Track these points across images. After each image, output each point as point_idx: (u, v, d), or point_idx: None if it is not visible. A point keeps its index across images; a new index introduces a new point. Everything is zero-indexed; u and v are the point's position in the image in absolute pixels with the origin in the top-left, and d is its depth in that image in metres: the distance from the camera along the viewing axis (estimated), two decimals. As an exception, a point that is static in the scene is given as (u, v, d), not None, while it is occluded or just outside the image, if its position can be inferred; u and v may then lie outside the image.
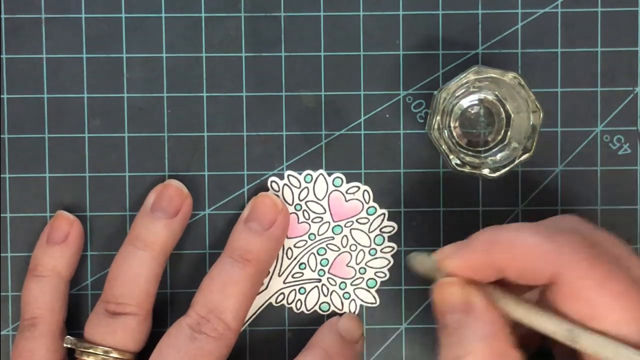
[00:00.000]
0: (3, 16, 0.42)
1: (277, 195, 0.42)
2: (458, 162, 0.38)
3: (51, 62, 0.42)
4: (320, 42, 0.42)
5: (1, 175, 0.42)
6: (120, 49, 0.42)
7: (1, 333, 0.42)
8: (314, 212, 0.42)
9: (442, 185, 0.42)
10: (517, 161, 0.38)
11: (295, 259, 0.42)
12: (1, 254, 0.42)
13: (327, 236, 0.42)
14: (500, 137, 0.40)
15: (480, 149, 0.41)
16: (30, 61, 0.42)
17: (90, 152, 0.42)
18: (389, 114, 0.42)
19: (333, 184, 0.42)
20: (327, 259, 0.42)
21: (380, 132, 0.42)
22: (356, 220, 0.42)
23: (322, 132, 0.42)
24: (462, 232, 0.42)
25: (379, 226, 0.42)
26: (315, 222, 0.42)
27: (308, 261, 0.42)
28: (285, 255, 0.42)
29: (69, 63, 0.42)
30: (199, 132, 0.42)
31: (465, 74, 0.37)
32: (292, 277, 0.42)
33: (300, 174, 0.42)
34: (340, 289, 0.42)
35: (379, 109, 0.42)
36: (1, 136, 0.42)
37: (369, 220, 0.42)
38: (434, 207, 0.42)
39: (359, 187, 0.42)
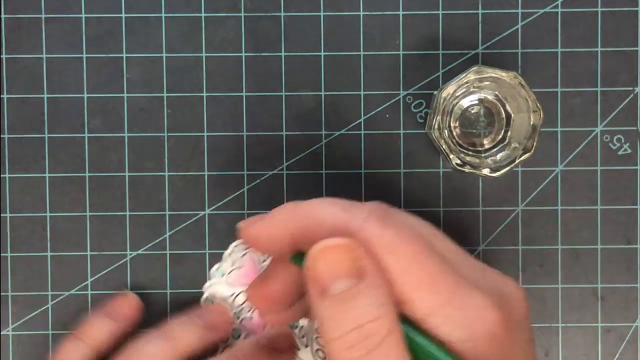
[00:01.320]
0: (3, 16, 0.42)
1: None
2: (458, 162, 0.38)
3: (51, 62, 0.42)
4: (320, 42, 0.42)
5: (1, 175, 0.42)
6: (120, 49, 0.42)
7: (1, 333, 0.42)
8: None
9: (442, 185, 0.42)
10: (517, 161, 0.38)
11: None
12: (1, 254, 0.42)
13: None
14: (500, 137, 0.40)
15: (480, 149, 0.41)
16: (30, 61, 0.42)
17: (90, 152, 0.42)
18: (389, 114, 0.42)
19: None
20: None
21: (380, 132, 0.42)
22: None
23: (322, 132, 0.42)
24: (462, 232, 0.42)
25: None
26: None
27: None
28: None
29: (69, 63, 0.42)
30: (199, 132, 0.42)
31: (465, 74, 0.37)
32: None
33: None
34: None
35: (379, 109, 0.42)
36: (1, 136, 0.42)
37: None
38: (434, 207, 0.42)
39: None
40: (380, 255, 0.29)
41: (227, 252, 0.42)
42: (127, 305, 0.41)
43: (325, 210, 0.31)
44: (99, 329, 0.40)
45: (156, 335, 0.39)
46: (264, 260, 0.41)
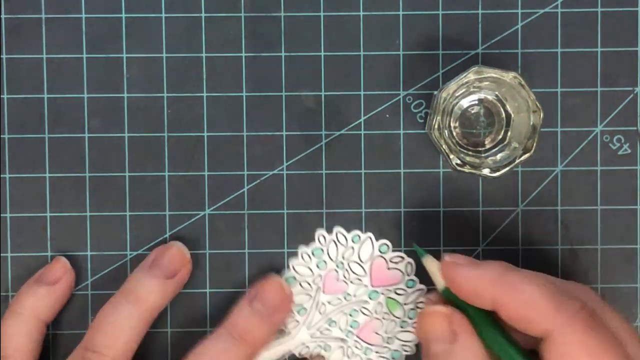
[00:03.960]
0: (3, 16, 0.42)
1: (321, 250, 0.42)
2: (458, 162, 0.38)
3: (51, 62, 0.42)
4: (320, 42, 0.42)
5: (1, 175, 0.42)
6: (120, 49, 0.42)
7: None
8: (354, 273, 0.42)
9: (442, 185, 0.42)
10: (517, 161, 0.38)
11: (326, 315, 0.42)
12: (1, 254, 0.42)
13: (362, 299, 0.42)
14: (500, 137, 0.40)
15: (480, 149, 0.41)
16: (30, 61, 0.42)
17: (90, 152, 0.42)
18: (389, 114, 0.42)
19: (379, 250, 0.42)
20: (357, 321, 0.42)
21: (380, 132, 0.42)
22: (394, 290, 0.42)
23: (322, 132, 0.42)
24: (462, 232, 0.42)
25: (414, 300, 0.42)
26: (353, 283, 0.42)
27: (339, 320, 0.42)
28: (317, 310, 0.42)
29: (69, 63, 0.42)
30: (199, 132, 0.42)
31: (465, 74, 0.37)
32: (320, 332, 0.41)
33: (349, 232, 0.42)
34: (365, 354, 0.41)
35: (379, 109, 0.42)
36: (1, 136, 0.42)
37: (406, 292, 0.42)
38: (434, 207, 0.42)
39: (403, 258, 0.42)
40: (577, 354, 0.31)
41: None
42: (60, 268, 0.41)
43: (535, 296, 0.33)
44: (35, 297, 0.40)
45: (122, 302, 0.39)
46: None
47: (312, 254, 0.42)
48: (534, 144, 0.37)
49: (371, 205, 0.42)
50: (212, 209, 0.42)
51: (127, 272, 0.42)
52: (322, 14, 0.42)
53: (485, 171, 0.38)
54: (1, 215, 0.42)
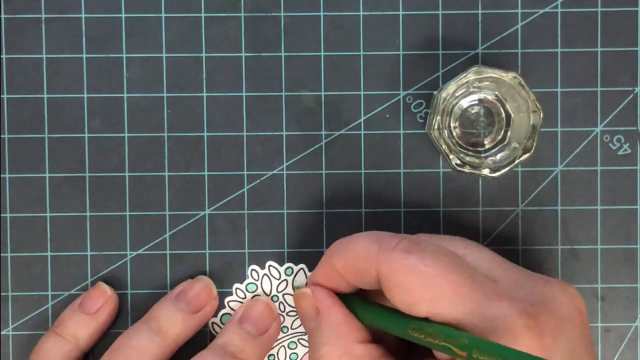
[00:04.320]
0: (3, 16, 0.42)
1: (255, 285, 0.42)
2: (458, 162, 0.38)
3: (51, 62, 0.42)
4: (320, 42, 0.42)
5: (1, 175, 0.42)
6: (120, 49, 0.42)
7: (1, 333, 0.42)
8: (290, 305, 0.42)
9: (442, 185, 0.42)
10: (517, 161, 0.38)
11: None
12: (1, 254, 0.42)
13: (300, 331, 0.42)
14: (500, 137, 0.40)
15: (480, 149, 0.41)
16: (30, 61, 0.42)
17: (90, 152, 0.42)
18: (389, 114, 0.42)
19: None
20: (296, 353, 0.42)
21: (380, 132, 0.42)
22: None
23: (322, 132, 0.42)
24: (462, 232, 0.42)
25: None
26: (290, 316, 0.42)
27: (277, 353, 0.42)
28: None
29: (69, 63, 0.42)
30: (199, 132, 0.42)
31: (465, 74, 0.37)
32: None
33: (281, 265, 0.42)
34: None
35: (379, 109, 0.42)
36: (1, 136, 0.42)
37: None
38: (434, 207, 0.42)
39: None
40: (403, 277, 0.33)
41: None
42: (100, 296, 0.41)
43: (359, 245, 0.35)
44: (75, 324, 0.40)
45: (144, 328, 0.39)
46: None
47: (247, 289, 0.42)
48: (534, 144, 0.37)
49: (371, 205, 0.42)
50: (212, 209, 0.42)
51: (127, 272, 0.42)
52: (322, 14, 0.42)
53: (485, 171, 0.38)
54: (1, 215, 0.42)
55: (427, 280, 0.32)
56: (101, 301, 0.41)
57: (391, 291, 0.33)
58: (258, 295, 0.42)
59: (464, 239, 0.37)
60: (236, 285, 0.42)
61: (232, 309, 0.42)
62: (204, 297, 0.41)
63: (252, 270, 0.42)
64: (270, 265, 0.42)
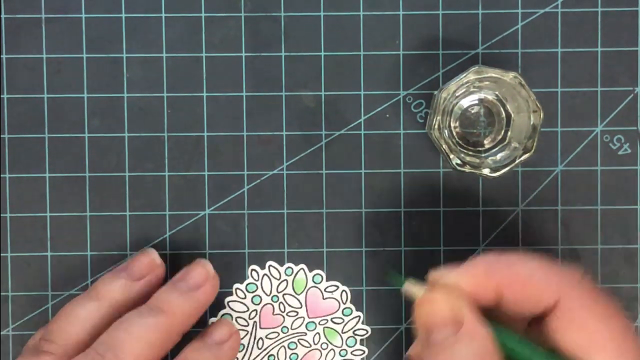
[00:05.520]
0: (3, 16, 0.42)
1: (255, 285, 0.42)
2: (458, 162, 0.38)
3: (51, 62, 0.42)
4: (320, 42, 0.42)
5: (1, 175, 0.42)
6: (120, 49, 0.42)
7: (1, 333, 0.42)
8: (290, 305, 0.42)
9: (442, 185, 0.42)
10: (517, 161, 0.38)
11: (265, 349, 0.42)
12: (1, 254, 0.42)
13: (300, 331, 0.42)
14: (500, 137, 0.40)
15: (480, 149, 0.41)
16: (30, 61, 0.42)
17: (90, 152, 0.42)
18: (389, 114, 0.42)
19: (313, 280, 0.42)
20: (297, 353, 0.42)
21: (380, 132, 0.42)
22: (331, 319, 0.42)
23: (322, 132, 0.42)
24: (462, 232, 0.42)
25: (352, 328, 0.42)
26: (290, 316, 0.42)
27: (278, 354, 0.42)
28: (255, 345, 0.42)
29: (69, 63, 0.42)
30: (199, 132, 0.42)
31: (465, 74, 0.37)
32: None
33: (281, 265, 0.42)
34: None
35: (379, 109, 0.42)
36: (1, 136, 0.42)
37: (343, 320, 0.42)
38: (434, 207, 0.42)
39: (337, 287, 0.42)
40: (588, 318, 0.31)
41: None
42: (148, 263, 0.40)
43: (533, 262, 0.33)
44: (114, 288, 0.39)
45: (85, 297, 0.38)
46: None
47: (247, 289, 0.42)
48: (534, 144, 0.37)
49: (371, 205, 0.42)
50: (212, 209, 0.42)
51: (127, 272, 0.42)
52: (322, 14, 0.42)
53: (485, 171, 0.38)
54: (1, 215, 0.42)
55: (615, 333, 0.31)
56: (148, 270, 0.40)
57: (565, 326, 0.32)
58: (258, 296, 0.42)
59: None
60: (236, 285, 0.42)
61: (232, 309, 0.42)
62: (147, 267, 0.40)
63: (252, 270, 0.42)
64: (270, 265, 0.42)
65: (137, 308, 0.38)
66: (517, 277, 0.33)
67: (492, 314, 0.33)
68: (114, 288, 0.39)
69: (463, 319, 0.32)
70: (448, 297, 0.33)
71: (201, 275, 0.39)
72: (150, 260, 0.40)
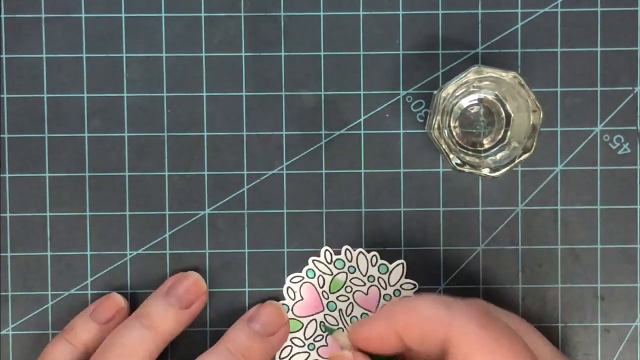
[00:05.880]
0: (3, 16, 0.42)
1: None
2: (458, 162, 0.38)
3: (51, 62, 0.42)
4: (320, 42, 0.42)
5: (1, 175, 0.42)
6: (120, 49, 0.42)
7: (1, 333, 0.42)
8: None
9: (442, 185, 0.42)
10: (517, 161, 0.38)
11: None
12: (1, 254, 0.42)
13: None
14: (500, 137, 0.40)
15: (480, 149, 0.41)
16: (30, 61, 0.42)
17: (90, 152, 0.42)
18: (389, 114, 0.42)
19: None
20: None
21: (380, 132, 0.42)
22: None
23: (322, 132, 0.42)
24: (462, 232, 0.42)
25: None
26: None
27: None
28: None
29: (69, 63, 0.42)
30: (199, 132, 0.42)
31: (465, 74, 0.37)
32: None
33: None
34: None
35: (379, 109, 0.42)
36: (1, 136, 0.42)
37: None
38: (434, 207, 0.42)
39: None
40: (476, 353, 0.32)
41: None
42: (114, 306, 0.41)
43: (427, 308, 0.34)
44: (87, 332, 0.40)
45: (136, 325, 0.39)
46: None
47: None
48: (534, 144, 0.37)
49: (371, 205, 0.42)
50: (212, 209, 0.42)
51: (127, 272, 0.42)
52: (322, 14, 0.42)
53: (485, 171, 0.38)
54: (1, 215, 0.42)
55: None
56: (113, 312, 0.41)
57: None
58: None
59: (522, 320, 0.37)
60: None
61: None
62: (194, 293, 0.41)
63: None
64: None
65: (217, 351, 0.39)
66: (412, 321, 0.34)
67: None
68: (167, 317, 0.40)
69: None
70: (350, 356, 0.36)
71: (278, 319, 0.41)
72: (198, 287, 0.41)
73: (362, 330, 0.36)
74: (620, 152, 0.42)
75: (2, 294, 0.42)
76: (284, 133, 0.42)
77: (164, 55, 0.42)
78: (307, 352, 0.42)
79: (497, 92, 0.40)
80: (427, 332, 0.34)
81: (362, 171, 0.42)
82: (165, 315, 0.39)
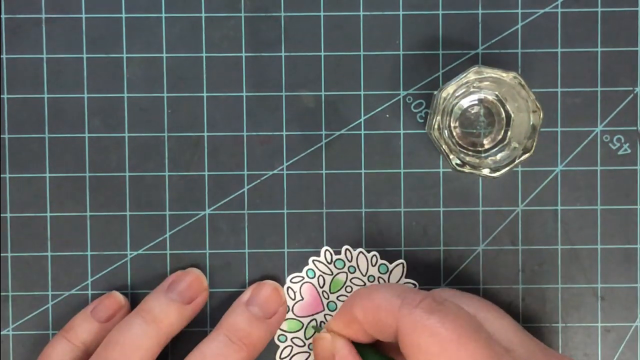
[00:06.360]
0: (3, 16, 0.42)
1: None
2: (458, 162, 0.38)
3: (51, 62, 0.42)
4: (320, 42, 0.42)
5: (1, 175, 0.42)
6: (120, 49, 0.42)
7: (1, 333, 0.42)
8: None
9: (442, 185, 0.42)
10: (517, 161, 0.38)
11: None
12: (1, 254, 0.42)
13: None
14: (500, 137, 0.40)
15: (480, 149, 0.41)
16: (30, 61, 0.42)
17: (90, 152, 0.42)
18: (389, 114, 0.42)
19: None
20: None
21: (380, 132, 0.42)
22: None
23: (322, 132, 0.42)
24: (462, 232, 0.42)
25: None
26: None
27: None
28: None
29: (69, 63, 0.42)
30: (199, 132, 0.42)
31: (465, 74, 0.37)
32: None
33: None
34: None
35: (379, 109, 0.42)
36: (1, 136, 0.42)
37: None
38: (434, 207, 0.42)
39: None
40: (421, 338, 0.33)
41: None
42: (114, 304, 0.41)
43: (381, 296, 0.35)
44: (86, 331, 0.40)
45: (138, 320, 0.39)
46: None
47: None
48: (534, 144, 0.37)
49: (371, 205, 0.42)
50: (212, 209, 0.42)
51: (127, 272, 0.42)
52: (322, 14, 0.42)
53: (485, 171, 0.38)
54: (1, 215, 0.42)
55: (445, 344, 0.32)
56: (114, 310, 0.41)
57: (408, 349, 0.33)
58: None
59: (486, 302, 0.37)
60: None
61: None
62: (195, 288, 0.41)
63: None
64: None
65: (215, 338, 0.39)
66: (367, 309, 0.35)
67: (388, 347, 0.38)
68: (169, 312, 0.40)
69: (338, 352, 0.37)
70: (329, 336, 0.37)
71: (276, 299, 0.41)
72: (199, 283, 0.41)
73: (333, 319, 0.38)
74: (620, 152, 0.42)
75: (2, 294, 0.42)
76: (284, 133, 0.42)
77: (164, 55, 0.42)
78: (307, 352, 0.42)
79: (497, 92, 0.40)
80: (381, 320, 0.35)
81: (362, 171, 0.42)
82: (167, 310, 0.39)
